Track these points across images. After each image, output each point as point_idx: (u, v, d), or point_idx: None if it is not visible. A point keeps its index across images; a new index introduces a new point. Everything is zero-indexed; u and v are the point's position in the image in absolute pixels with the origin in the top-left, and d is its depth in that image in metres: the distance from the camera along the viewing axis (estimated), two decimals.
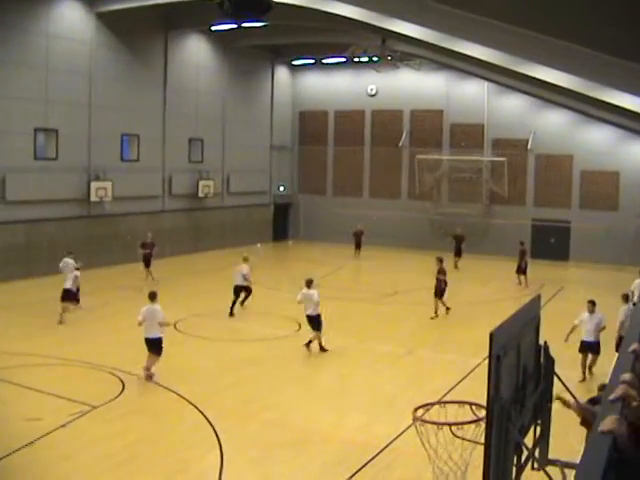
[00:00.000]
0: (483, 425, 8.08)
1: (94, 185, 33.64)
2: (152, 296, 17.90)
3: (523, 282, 32.03)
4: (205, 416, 14.72)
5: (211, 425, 14.23)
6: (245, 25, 34.43)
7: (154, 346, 17.43)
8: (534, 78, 19.44)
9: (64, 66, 32.28)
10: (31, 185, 30.87)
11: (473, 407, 9.87)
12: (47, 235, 31.61)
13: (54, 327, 22.30)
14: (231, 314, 24.26)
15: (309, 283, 20.61)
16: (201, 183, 40.76)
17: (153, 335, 17.44)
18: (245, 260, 25.70)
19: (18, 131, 30.38)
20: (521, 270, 32.46)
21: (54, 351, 19.24)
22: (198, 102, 40.86)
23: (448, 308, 26.03)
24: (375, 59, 40.77)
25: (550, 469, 8.40)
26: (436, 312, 25.72)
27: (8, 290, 28.02)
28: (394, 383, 17.81)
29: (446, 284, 25.88)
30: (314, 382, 17.84)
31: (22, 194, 30.54)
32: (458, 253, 37.19)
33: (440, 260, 26.51)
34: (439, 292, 25.84)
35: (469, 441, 9.70)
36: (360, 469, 12.37)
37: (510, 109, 42.56)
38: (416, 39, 21.15)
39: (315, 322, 20.38)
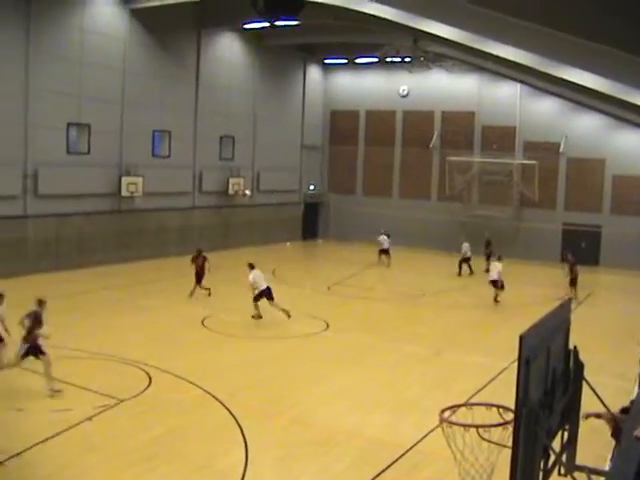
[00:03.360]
0: (510, 428, 8.01)
1: (125, 180, 33.87)
2: None
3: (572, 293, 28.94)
4: (231, 412, 14.75)
5: (237, 422, 14.26)
6: (278, 24, 34.41)
7: None
8: (567, 81, 19.31)
9: (97, 61, 32.50)
10: (63, 179, 31.12)
11: (500, 410, 9.79)
12: (77, 229, 31.87)
13: (82, 320, 22.46)
14: None
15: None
16: (231, 180, 40.89)
17: None
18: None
19: (51, 125, 30.63)
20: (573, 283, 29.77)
21: (82, 344, 19.36)
22: (230, 100, 40.98)
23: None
24: (407, 60, 40.67)
25: (577, 475, 8.34)
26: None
27: (38, 283, 28.21)
28: (420, 384, 17.76)
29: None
30: (339, 380, 17.82)
31: (54, 188, 30.80)
32: (488, 257, 36.71)
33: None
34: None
35: (496, 444, 9.64)
36: (386, 469, 12.35)
37: (542, 112, 42.26)
38: (448, 40, 21.07)
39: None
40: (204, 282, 27.06)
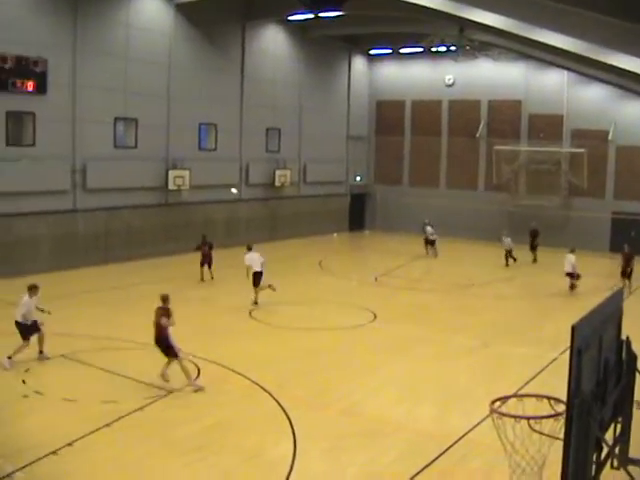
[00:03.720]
0: (562, 420, 7.92)
1: (172, 173, 34.12)
2: None
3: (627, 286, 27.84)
4: (279, 403, 14.79)
5: (285, 413, 14.29)
6: (322, 15, 34.44)
7: None
8: (616, 67, 19.00)
9: (143, 56, 32.76)
10: (111, 173, 31.44)
11: (551, 401, 9.66)
12: (126, 223, 32.18)
13: (131, 312, 22.66)
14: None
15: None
16: (278, 172, 40.98)
17: None
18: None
19: (99, 120, 30.92)
20: (626, 274, 28.92)
21: (131, 335, 19.53)
22: (275, 92, 41.02)
23: None
24: (453, 49, 40.37)
25: (630, 468, 8.22)
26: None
27: (88, 275, 28.65)
28: (469, 375, 17.63)
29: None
30: (387, 371, 17.77)
31: (102, 182, 31.14)
32: (534, 247, 36.62)
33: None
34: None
35: (547, 436, 9.53)
36: (433, 460, 12.28)
37: (590, 99, 41.60)
38: (495, 28, 20.86)
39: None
40: (213, 268, 28.97)
